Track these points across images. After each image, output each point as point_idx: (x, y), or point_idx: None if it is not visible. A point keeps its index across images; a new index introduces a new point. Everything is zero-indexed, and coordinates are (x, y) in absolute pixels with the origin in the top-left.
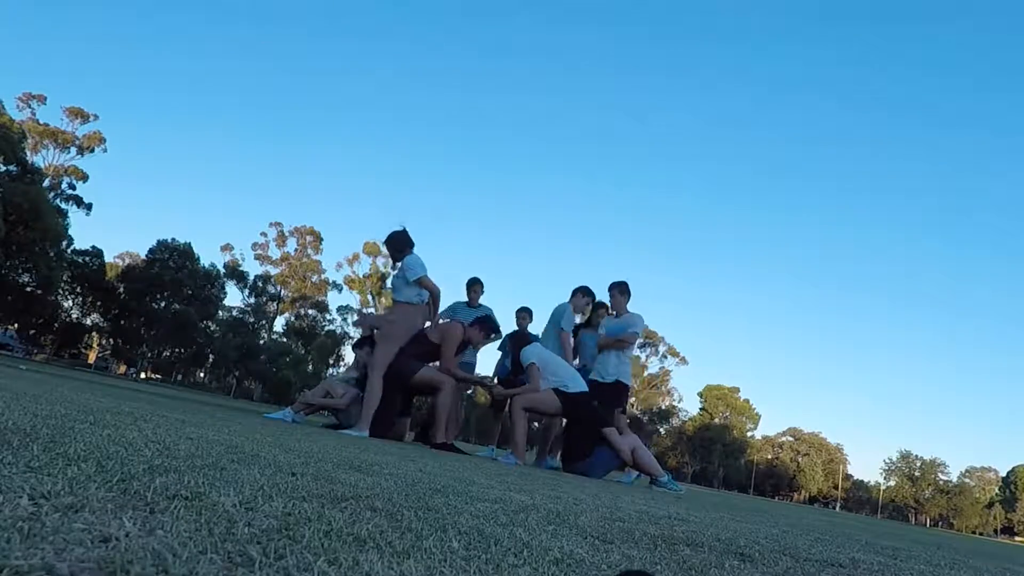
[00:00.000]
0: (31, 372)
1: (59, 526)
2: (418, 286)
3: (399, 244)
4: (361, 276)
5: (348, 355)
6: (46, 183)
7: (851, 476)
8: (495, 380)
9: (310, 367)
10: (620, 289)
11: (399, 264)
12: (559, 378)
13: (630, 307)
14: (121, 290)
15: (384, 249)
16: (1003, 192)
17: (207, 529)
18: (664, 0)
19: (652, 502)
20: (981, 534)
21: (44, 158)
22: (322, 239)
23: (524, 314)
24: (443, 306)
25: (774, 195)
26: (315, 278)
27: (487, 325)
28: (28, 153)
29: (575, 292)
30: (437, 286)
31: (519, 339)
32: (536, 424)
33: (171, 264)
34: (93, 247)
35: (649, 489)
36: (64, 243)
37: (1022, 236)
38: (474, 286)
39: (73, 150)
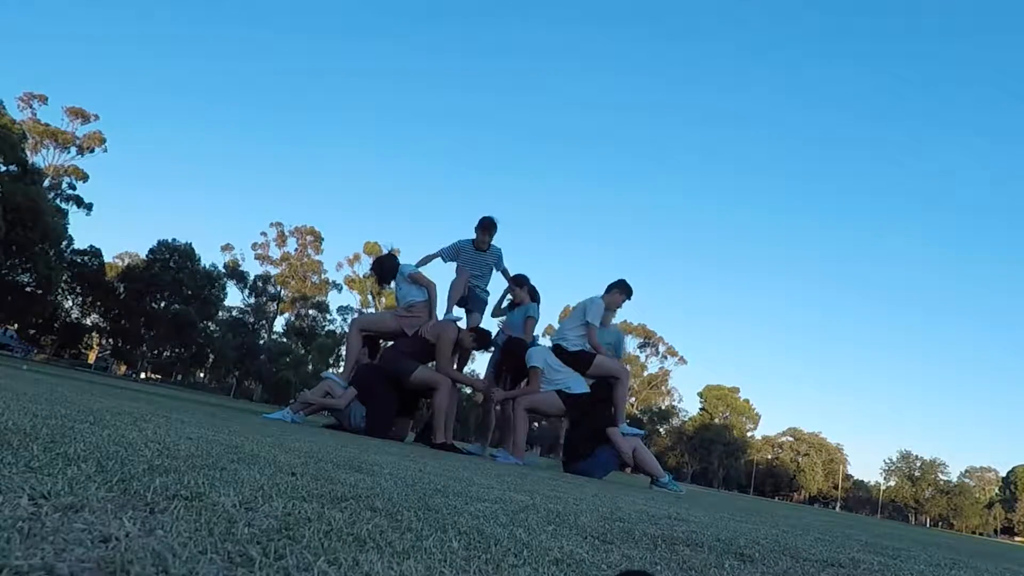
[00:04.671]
0: (31, 372)
1: (59, 526)
2: (415, 283)
3: (387, 266)
4: (361, 276)
5: None
6: (46, 183)
7: (851, 476)
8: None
9: (310, 367)
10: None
11: (393, 282)
12: (561, 380)
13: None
14: (121, 290)
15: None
16: (1003, 193)
17: (207, 529)
18: (663, 0)
19: (652, 502)
20: (981, 534)
21: (44, 158)
22: (322, 239)
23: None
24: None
25: (774, 195)
26: (315, 278)
27: (484, 339)
28: (28, 153)
29: (611, 287)
30: (432, 280)
31: (515, 348)
32: (536, 424)
33: (171, 264)
34: (91, 247)
35: (649, 489)
36: (64, 243)
37: (1022, 236)
38: (485, 229)
39: (73, 150)
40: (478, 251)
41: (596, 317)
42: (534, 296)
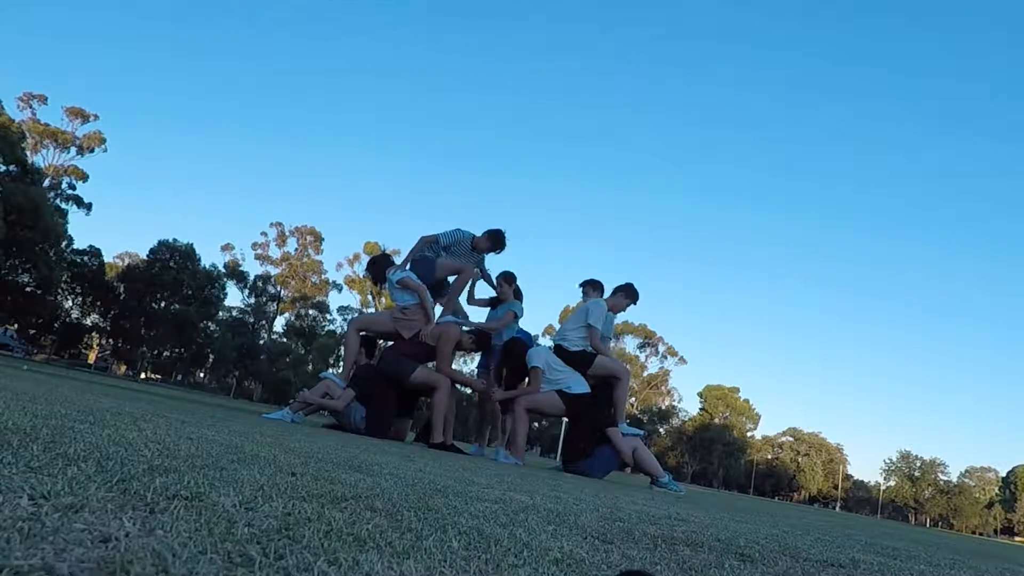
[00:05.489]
0: (31, 372)
1: (59, 526)
2: (405, 288)
3: (380, 266)
4: (361, 276)
5: None
6: (46, 183)
7: (851, 476)
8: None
9: (310, 367)
10: (593, 285)
11: (387, 282)
12: (562, 380)
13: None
14: (121, 290)
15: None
16: (1003, 193)
17: (207, 529)
18: (663, 1)
19: (652, 502)
20: (981, 534)
21: (44, 158)
22: (323, 239)
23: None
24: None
25: (774, 195)
26: (315, 278)
27: (483, 340)
28: (28, 153)
29: (616, 290)
30: (420, 283)
31: (515, 348)
32: (536, 424)
33: (171, 264)
34: (91, 247)
35: (649, 489)
36: (64, 243)
37: (1022, 237)
38: (496, 245)
39: (73, 150)
40: (474, 250)
41: (599, 320)
42: (518, 295)
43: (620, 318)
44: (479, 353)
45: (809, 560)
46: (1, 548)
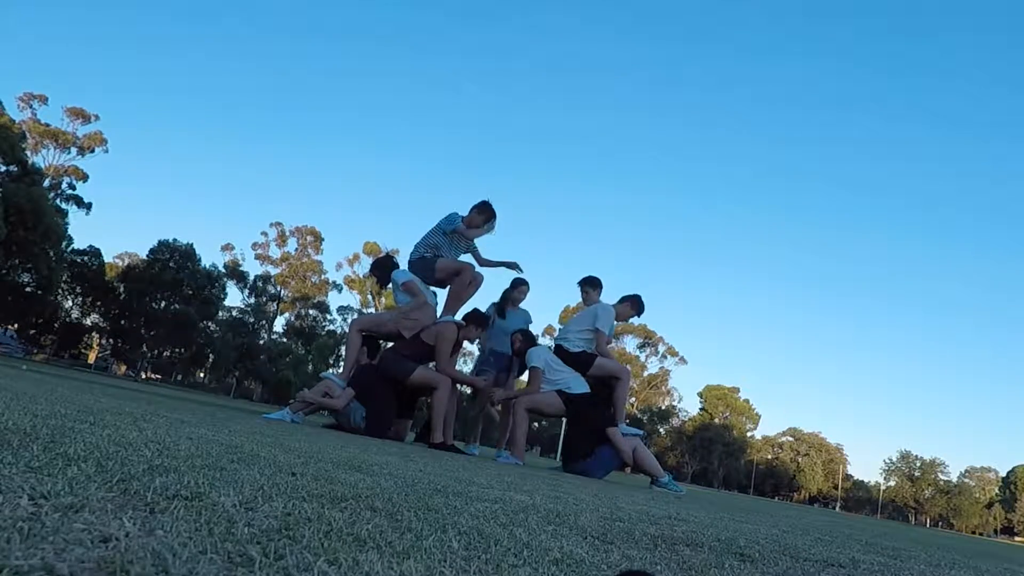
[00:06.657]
0: (31, 372)
1: (59, 526)
2: (408, 292)
3: (386, 267)
4: (361, 276)
5: None
6: (46, 183)
7: (851, 476)
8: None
9: (310, 367)
10: (592, 284)
11: (390, 285)
12: (561, 380)
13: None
14: (121, 290)
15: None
16: (1003, 193)
17: (207, 529)
18: (662, 2)
19: (652, 502)
20: (981, 534)
21: (44, 158)
22: (322, 239)
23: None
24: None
25: (774, 196)
26: (315, 278)
27: (481, 319)
28: (28, 153)
29: (624, 299)
30: (423, 285)
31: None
32: (536, 424)
33: (171, 264)
34: (91, 247)
35: (649, 489)
36: (64, 243)
37: (1022, 236)
38: (489, 219)
39: (73, 150)
40: (469, 228)
41: (606, 324)
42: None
43: None
44: (485, 353)
45: (809, 560)
46: (1, 548)
